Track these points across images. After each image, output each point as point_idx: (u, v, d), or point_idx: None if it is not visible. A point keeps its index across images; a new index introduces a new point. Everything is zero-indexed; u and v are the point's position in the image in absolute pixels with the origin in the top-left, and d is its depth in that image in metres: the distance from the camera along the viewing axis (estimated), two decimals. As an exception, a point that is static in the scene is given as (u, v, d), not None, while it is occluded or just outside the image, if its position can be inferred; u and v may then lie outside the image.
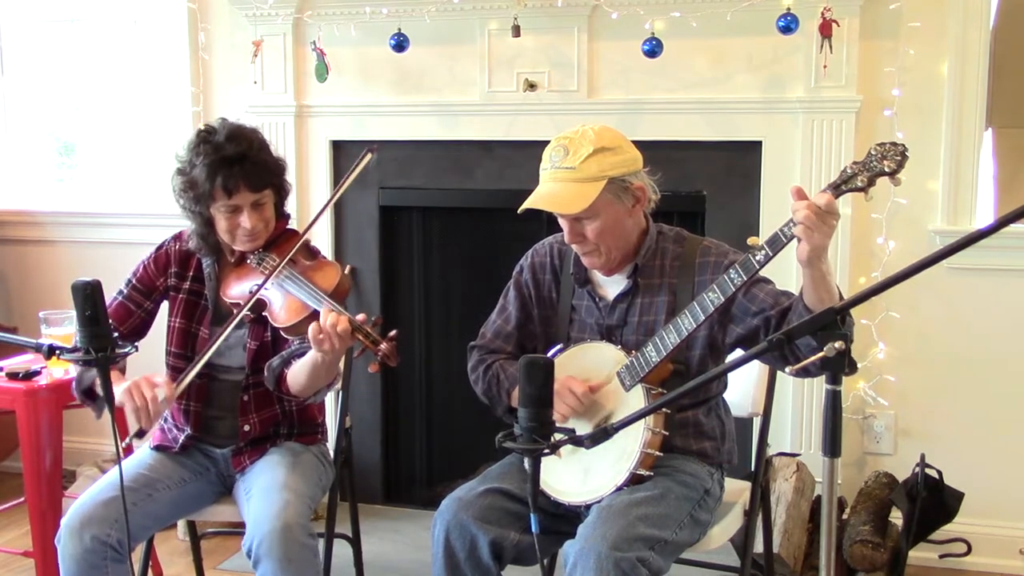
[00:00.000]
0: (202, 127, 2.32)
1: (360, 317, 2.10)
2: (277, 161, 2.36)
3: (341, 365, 2.49)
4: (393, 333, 2.10)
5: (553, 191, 2.11)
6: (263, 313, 2.28)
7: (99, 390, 2.26)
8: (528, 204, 2.13)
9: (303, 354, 2.25)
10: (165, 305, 2.46)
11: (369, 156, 2.37)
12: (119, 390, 2.17)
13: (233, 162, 2.22)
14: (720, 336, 2.17)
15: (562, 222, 2.17)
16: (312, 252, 2.41)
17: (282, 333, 2.27)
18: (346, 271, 2.68)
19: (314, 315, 2.15)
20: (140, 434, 2.22)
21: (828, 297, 1.94)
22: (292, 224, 2.50)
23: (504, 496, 2.15)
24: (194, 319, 2.41)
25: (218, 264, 2.41)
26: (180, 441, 2.40)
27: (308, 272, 2.28)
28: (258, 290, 2.25)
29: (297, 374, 2.27)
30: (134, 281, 2.44)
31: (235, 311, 2.30)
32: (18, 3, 4.08)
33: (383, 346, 2.07)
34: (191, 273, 2.42)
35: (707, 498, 2.17)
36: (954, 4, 3.05)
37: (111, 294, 2.33)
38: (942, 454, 3.07)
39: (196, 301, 2.42)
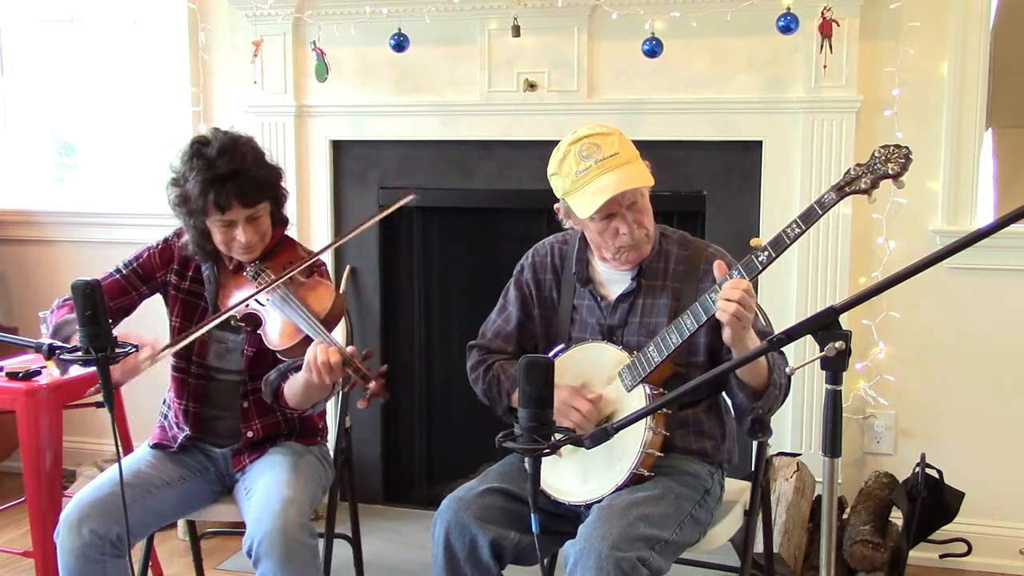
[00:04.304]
0: (196, 138, 2.29)
1: (350, 349, 2.09)
2: (272, 171, 2.33)
3: None
4: (383, 369, 2.09)
5: (620, 176, 2.08)
6: (258, 331, 2.28)
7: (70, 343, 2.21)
8: (609, 195, 2.06)
9: (299, 368, 2.23)
10: (163, 306, 2.46)
11: (411, 197, 2.35)
12: None
13: (225, 179, 2.19)
14: (717, 343, 2.16)
15: (612, 221, 2.13)
16: (309, 267, 2.38)
17: (277, 355, 2.27)
18: (346, 270, 2.67)
19: (308, 339, 2.15)
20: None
21: (755, 372, 2.05)
22: (291, 227, 2.49)
23: (504, 496, 2.15)
24: (194, 320, 2.40)
25: (217, 268, 2.40)
26: (179, 441, 2.40)
27: (302, 292, 2.26)
28: (248, 299, 2.24)
29: (293, 389, 2.26)
30: (135, 264, 2.42)
31: (233, 323, 2.30)
32: (18, 3, 4.08)
33: (371, 384, 2.07)
34: (191, 273, 2.42)
35: (707, 498, 2.17)
36: (954, 4, 3.05)
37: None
38: (942, 454, 3.07)
39: (196, 302, 2.41)
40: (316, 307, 2.21)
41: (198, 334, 2.25)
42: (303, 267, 2.29)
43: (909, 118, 3.12)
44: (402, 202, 2.36)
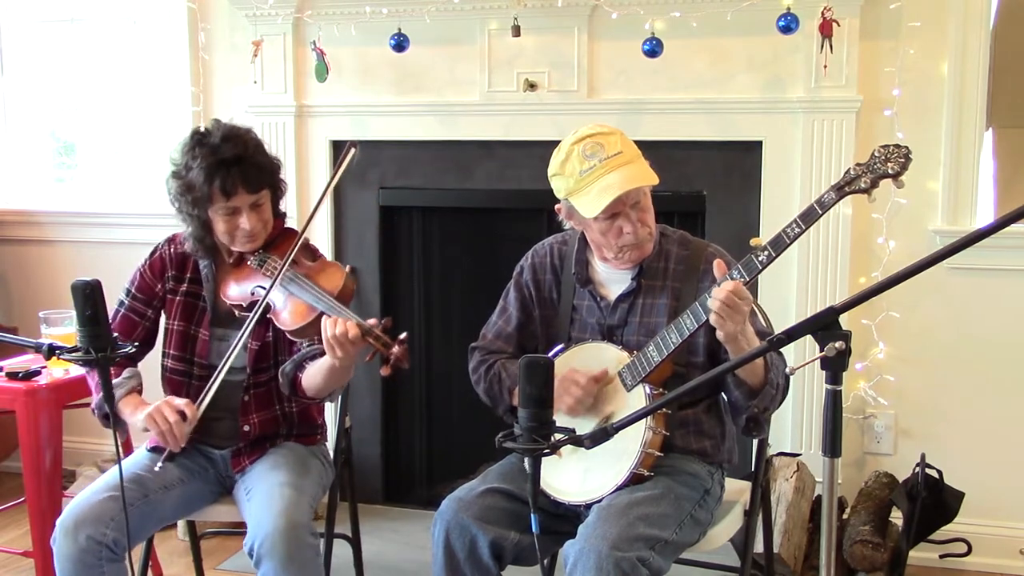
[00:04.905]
0: (195, 129, 2.30)
1: (371, 321, 2.09)
2: (272, 160, 2.35)
3: None
4: (403, 336, 2.09)
5: (626, 175, 2.08)
6: (267, 316, 2.27)
7: (123, 415, 2.28)
8: (616, 193, 2.06)
9: (315, 356, 2.24)
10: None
11: (353, 151, 2.30)
12: (142, 415, 2.22)
13: (231, 164, 2.21)
14: (716, 343, 2.16)
15: (617, 220, 2.13)
16: (312, 252, 2.39)
17: (289, 336, 2.26)
18: (347, 269, 2.67)
19: (320, 318, 2.14)
20: (170, 457, 2.27)
21: (751, 371, 2.06)
22: (290, 223, 2.50)
23: (504, 496, 2.15)
24: (193, 321, 2.40)
25: (215, 265, 2.40)
26: None
27: (311, 274, 2.26)
28: (265, 294, 2.23)
29: (313, 377, 2.26)
30: (133, 290, 2.42)
31: (238, 313, 2.29)
32: (18, 3, 4.08)
33: (395, 349, 2.06)
34: (188, 275, 2.41)
35: (707, 498, 2.17)
36: (954, 4, 3.05)
37: (111, 296, 2.30)
38: (942, 454, 3.07)
39: (194, 303, 2.40)
40: (327, 286, 2.21)
41: (226, 366, 2.24)
42: (299, 242, 2.27)
43: (909, 118, 3.12)
44: (347, 159, 2.29)
